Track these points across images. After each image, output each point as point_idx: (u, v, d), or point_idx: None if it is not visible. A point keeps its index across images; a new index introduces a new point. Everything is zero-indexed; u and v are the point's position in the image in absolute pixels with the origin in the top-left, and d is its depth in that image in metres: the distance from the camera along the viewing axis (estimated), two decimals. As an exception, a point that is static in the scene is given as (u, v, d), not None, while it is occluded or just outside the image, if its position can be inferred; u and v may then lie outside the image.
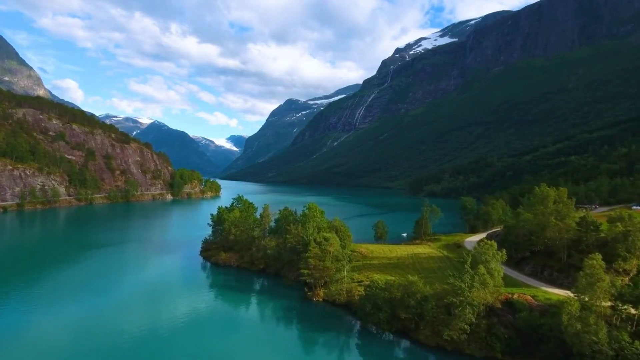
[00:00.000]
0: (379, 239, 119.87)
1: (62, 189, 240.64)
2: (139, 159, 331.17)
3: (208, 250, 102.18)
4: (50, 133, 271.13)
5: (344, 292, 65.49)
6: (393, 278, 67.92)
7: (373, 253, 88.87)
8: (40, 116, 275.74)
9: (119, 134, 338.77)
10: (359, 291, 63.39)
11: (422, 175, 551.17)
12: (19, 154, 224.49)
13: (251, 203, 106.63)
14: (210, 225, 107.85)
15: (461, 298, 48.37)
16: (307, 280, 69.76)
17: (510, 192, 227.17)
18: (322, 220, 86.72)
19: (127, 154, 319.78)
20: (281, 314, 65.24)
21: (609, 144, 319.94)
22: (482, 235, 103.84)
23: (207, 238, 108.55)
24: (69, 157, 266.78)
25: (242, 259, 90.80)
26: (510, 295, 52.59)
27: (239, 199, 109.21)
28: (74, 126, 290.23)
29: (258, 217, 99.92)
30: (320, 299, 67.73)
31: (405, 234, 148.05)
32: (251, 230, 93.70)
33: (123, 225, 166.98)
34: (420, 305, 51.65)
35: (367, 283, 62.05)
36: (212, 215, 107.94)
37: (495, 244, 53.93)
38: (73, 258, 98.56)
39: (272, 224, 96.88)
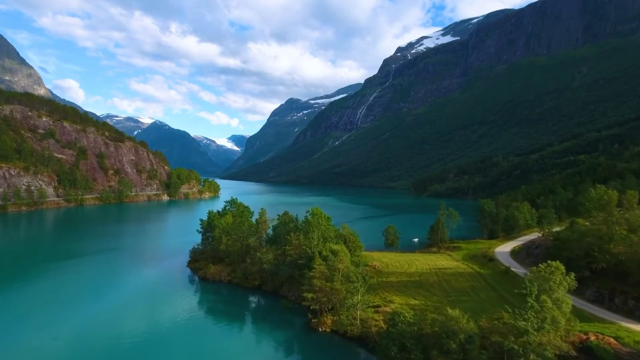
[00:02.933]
0: (390, 246, 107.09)
1: (50, 190, 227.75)
2: (133, 158, 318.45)
3: (196, 261, 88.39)
4: (40, 131, 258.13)
5: (358, 322, 51.88)
6: (418, 302, 55.11)
7: (388, 267, 75.22)
8: (29, 113, 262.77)
9: (113, 132, 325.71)
10: (376, 321, 50.36)
11: (426, 175, 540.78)
12: (3, 153, 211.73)
13: (246, 207, 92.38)
14: (200, 232, 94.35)
15: (525, 343, 35.61)
16: (311, 307, 56.22)
17: (524, 192, 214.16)
18: (328, 228, 72.90)
19: (121, 153, 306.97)
20: (280, 348, 51.94)
21: (620, 143, 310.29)
22: (514, 243, 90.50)
23: (196, 247, 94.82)
24: (59, 156, 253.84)
25: (234, 273, 77.07)
26: (584, 336, 39.71)
27: (232, 202, 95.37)
28: (65, 124, 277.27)
29: (254, 222, 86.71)
30: (328, 329, 54.01)
31: (416, 239, 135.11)
32: (245, 239, 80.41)
33: (108, 229, 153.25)
34: (464, 350, 38.67)
35: (388, 311, 49.18)
36: (201, 220, 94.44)
37: (562, 267, 41.11)
38: (37, 271, 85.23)
39: (270, 231, 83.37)
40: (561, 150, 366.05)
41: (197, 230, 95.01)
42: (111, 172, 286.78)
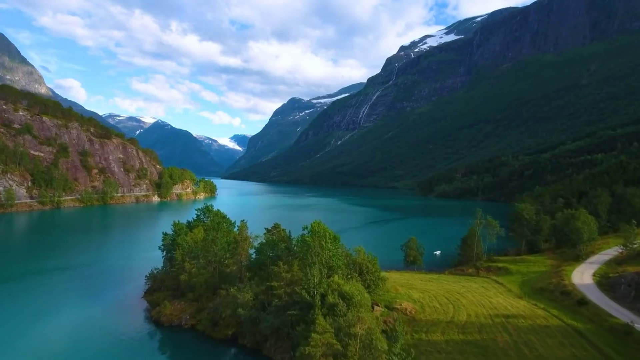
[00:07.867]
0: (411, 264, 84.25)
1: (22, 191, 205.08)
2: (121, 156, 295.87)
3: (154, 291, 64.68)
4: (15, 125, 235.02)
5: None
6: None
7: (424, 310, 49.97)
8: (4, 106, 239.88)
9: (98, 128, 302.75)
10: None
11: (432, 175, 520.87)
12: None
13: (224, 216, 66.64)
14: (162, 250, 70.73)
15: None
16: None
17: (552, 193, 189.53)
18: (335, 251, 48.72)
19: (107, 151, 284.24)
20: None
21: (639, 141, 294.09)
22: (588, 267, 65.70)
23: (155, 271, 69.79)
24: (35, 153, 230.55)
25: (200, 315, 53.20)
26: None
27: (206, 210, 71.60)
28: (45, 118, 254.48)
29: (233, 239, 62.75)
30: None
31: (438, 252, 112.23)
32: (218, 263, 56.71)
33: (69, 239, 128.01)
34: None
35: None
36: (164, 234, 70.85)
37: None
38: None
39: (252, 252, 59.02)
40: (575, 149, 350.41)
41: (159, 247, 71.28)
42: (95, 171, 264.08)
